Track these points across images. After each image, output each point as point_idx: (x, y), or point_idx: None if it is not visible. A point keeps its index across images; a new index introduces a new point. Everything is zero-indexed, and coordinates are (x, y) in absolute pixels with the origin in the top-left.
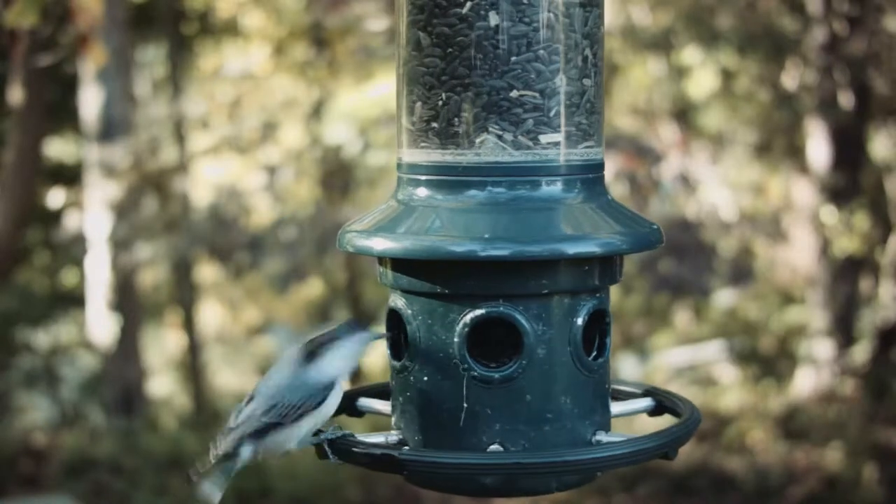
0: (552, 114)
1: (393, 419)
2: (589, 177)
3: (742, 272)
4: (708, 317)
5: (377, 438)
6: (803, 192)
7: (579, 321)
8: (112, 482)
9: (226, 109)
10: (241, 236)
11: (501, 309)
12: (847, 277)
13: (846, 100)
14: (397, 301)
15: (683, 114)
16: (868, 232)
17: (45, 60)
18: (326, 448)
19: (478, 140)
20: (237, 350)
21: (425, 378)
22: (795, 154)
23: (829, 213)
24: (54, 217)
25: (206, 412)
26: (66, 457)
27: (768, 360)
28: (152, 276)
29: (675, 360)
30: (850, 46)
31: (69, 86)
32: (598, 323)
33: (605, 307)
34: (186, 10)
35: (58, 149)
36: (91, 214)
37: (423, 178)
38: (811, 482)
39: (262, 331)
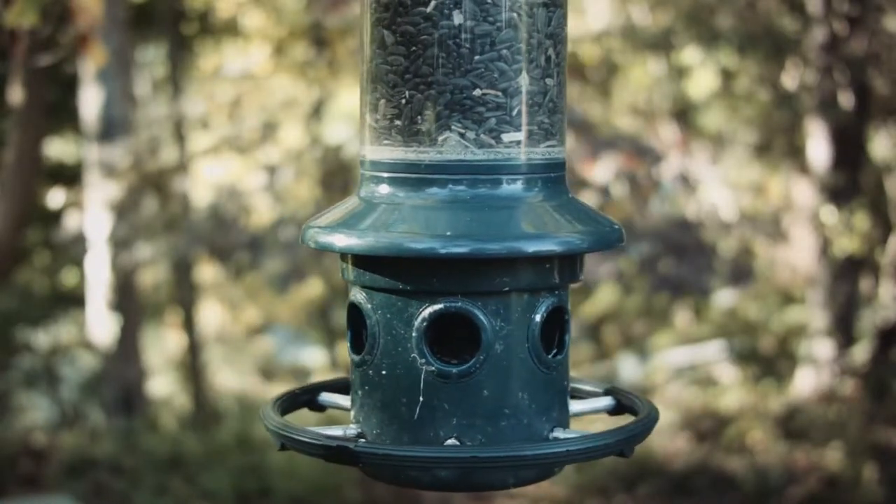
0: (514, 113)
1: (352, 413)
2: (550, 175)
3: (742, 272)
4: (708, 317)
5: (336, 431)
6: (803, 192)
7: (538, 318)
8: (112, 482)
9: (226, 109)
10: (241, 236)
11: (459, 304)
12: (847, 277)
13: (846, 100)
14: (357, 296)
15: (683, 114)
16: (868, 232)
17: (45, 60)
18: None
19: (440, 138)
20: (237, 350)
21: (384, 372)
22: (795, 154)
23: (829, 213)
24: (54, 217)
25: (206, 412)
26: (66, 457)
27: (768, 360)
28: (152, 276)
29: (675, 360)
30: (850, 46)
31: (69, 86)
32: (557, 320)
33: (565, 304)
34: (186, 10)
35: (58, 149)
36: (91, 214)
37: (386, 175)
38: (811, 482)
39: (262, 331)
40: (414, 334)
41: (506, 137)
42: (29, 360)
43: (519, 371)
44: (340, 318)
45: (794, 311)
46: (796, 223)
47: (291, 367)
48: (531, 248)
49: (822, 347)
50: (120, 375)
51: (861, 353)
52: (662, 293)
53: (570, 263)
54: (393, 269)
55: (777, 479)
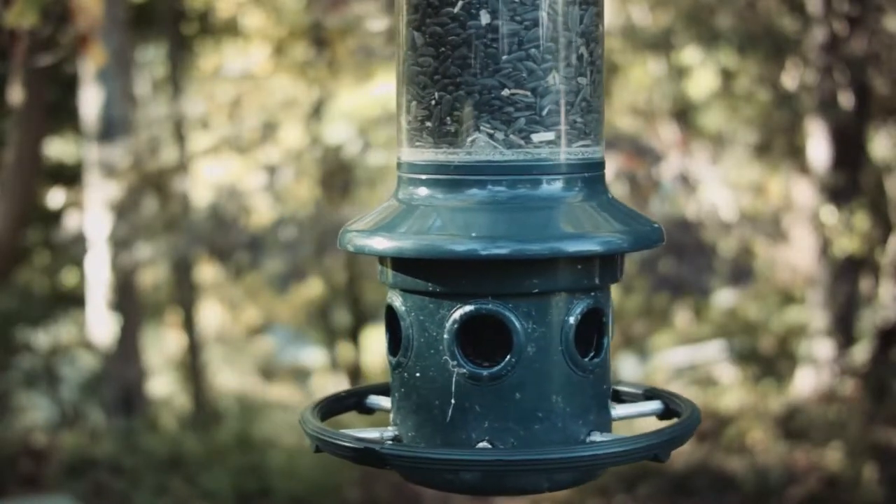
0: (545, 112)
1: (391, 415)
2: (587, 175)
3: (742, 272)
4: (708, 317)
5: (372, 433)
6: (803, 192)
7: (571, 320)
8: (112, 482)
9: (226, 109)
10: (241, 236)
11: (490, 306)
12: (847, 277)
13: (846, 100)
14: (394, 299)
15: (683, 114)
16: (868, 232)
17: (45, 60)
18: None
19: (469, 139)
20: (237, 350)
21: (417, 374)
22: (795, 154)
23: (829, 213)
24: (54, 217)
25: (206, 412)
26: (66, 457)
27: (768, 360)
28: (152, 276)
29: (675, 360)
30: (850, 46)
31: (69, 86)
32: (595, 322)
33: (602, 306)
34: (186, 10)
35: (58, 149)
36: (91, 214)
37: (422, 177)
38: (811, 482)
39: (262, 331)
40: (446, 336)
41: (536, 137)
42: (29, 360)
43: (552, 374)
44: (340, 318)
45: (794, 311)
46: (796, 223)
47: (291, 367)
48: (572, 248)
49: (822, 347)
50: (120, 375)
51: (861, 353)
52: (662, 293)
53: (607, 264)
54: (425, 271)
55: (777, 479)
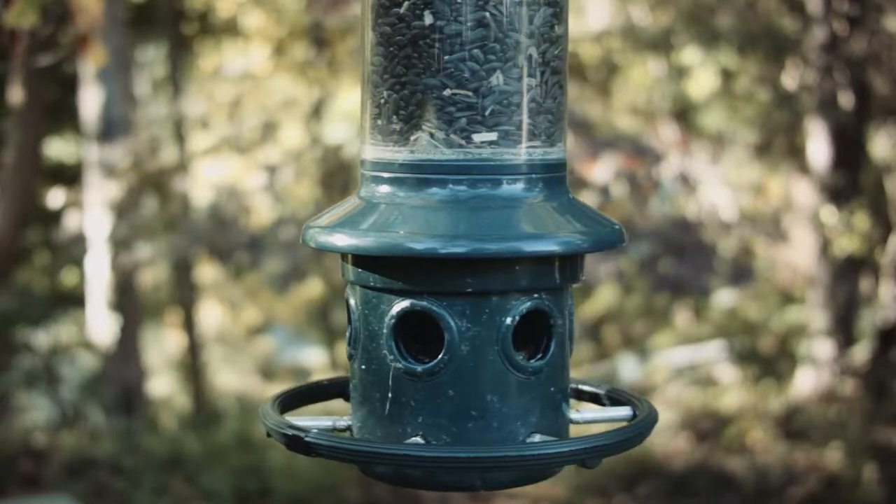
0: (487, 113)
1: (350, 404)
2: (546, 176)
3: (742, 272)
4: (708, 317)
5: (325, 422)
6: (803, 192)
7: (508, 321)
8: (112, 482)
9: (226, 109)
10: (241, 236)
11: (424, 303)
12: (847, 277)
13: (846, 100)
14: (349, 293)
15: (683, 114)
16: (868, 232)
17: (45, 60)
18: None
19: (412, 137)
20: (237, 350)
21: (363, 367)
22: (795, 154)
23: (829, 213)
24: (54, 217)
25: (206, 412)
26: (66, 457)
27: (768, 360)
28: (152, 276)
29: (675, 360)
30: (850, 46)
31: (69, 86)
32: (543, 325)
33: (548, 308)
34: (186, 10)
35: (58, 149)
36: (91, 214)
37: (384, 175)
38: (811, 482)
39: (262, 331)
40: (385, 331)
41: (477, 137)
42: (29, 360)
43: (487, 373)
44: (340, 318)
45: (794, 311)
46: (796, 223)
47: (291, 367)
48: (531, 247)
49: (822, 347)
50: (120, 375)
51: (861, 353)
52: (662, 293)
53: (565, 264)
54: (371, 267)
55: (777, 479)
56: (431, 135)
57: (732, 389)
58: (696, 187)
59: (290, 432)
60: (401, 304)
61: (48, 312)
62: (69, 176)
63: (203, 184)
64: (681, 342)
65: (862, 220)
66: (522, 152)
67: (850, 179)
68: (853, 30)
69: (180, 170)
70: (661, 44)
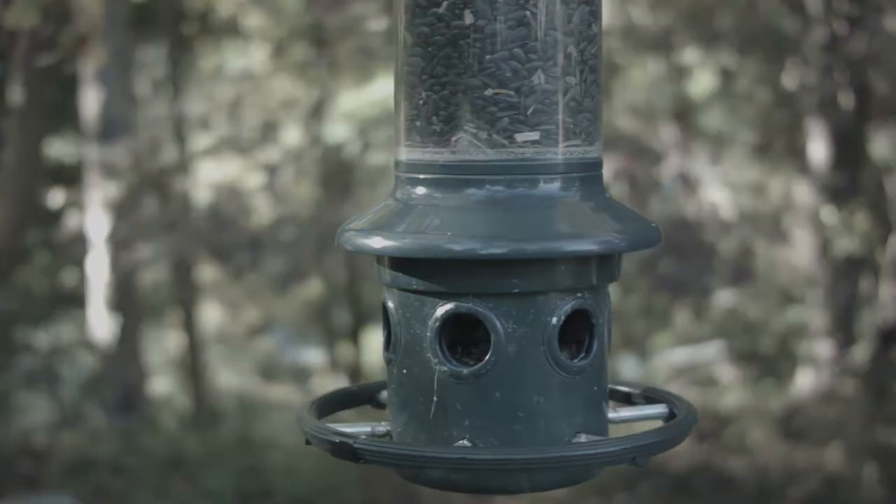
0: (529, 112)
1: (387, 410)
2: (584, 175)
3: (742, 272)
4: (708, 317)
5: (363, 428)
6: (803, 192)
7: (554, 321)
8: (112, 482)
9: (226, 109)
10: (241, 236)
11: (469, 305)
12: (847, 277)
13: (846, 100)
14: (387, 297)
15: (683, 114)
16: (868, 232)
17: (45, 60)
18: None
19: (453, 138)
20: (237, 350)
21: (404, 371)
22: (795, 154)
23: (829, 213)
24: (54, 217)
25: (206, 412)
26: (66, 457)
27: (768, 360)
28: (152, 276)
29: (675, 360)
30: (850, 46)
31: (69, 86)
32: (584, 323)
33: (590, 307)
34: (186, 10)
35: (58, 149)
36: (91, 214)
37: (420, 176)
38: (811, 482)
39: (262, 331)
40: (428, 334)
41: (519, 137)
42: (29, 360)
43: (534, 374)
44: (340, 318)
45: (794, 311)
46: (796, 223)
47: (291, 367)
48: (570, 247)
49: (822, 347)
50: (120, 375)
51: (861, 353)
52: (662, 293)
53: (604, 263)
54: (412, 270)
55: (777, 479)
56: (474, 135)
57: (732, 389)
58: (696, 187)
59: (338, 439)
60: (445, 307)
61: (48, 312)
62: (69, 176)
63: (203, 184)
64: (681, 342)
65: (862, 220)
66: (562, 151)
67: (849, 179)
68: (853, 30)
69: (180, 170)
70: (661, 44)
